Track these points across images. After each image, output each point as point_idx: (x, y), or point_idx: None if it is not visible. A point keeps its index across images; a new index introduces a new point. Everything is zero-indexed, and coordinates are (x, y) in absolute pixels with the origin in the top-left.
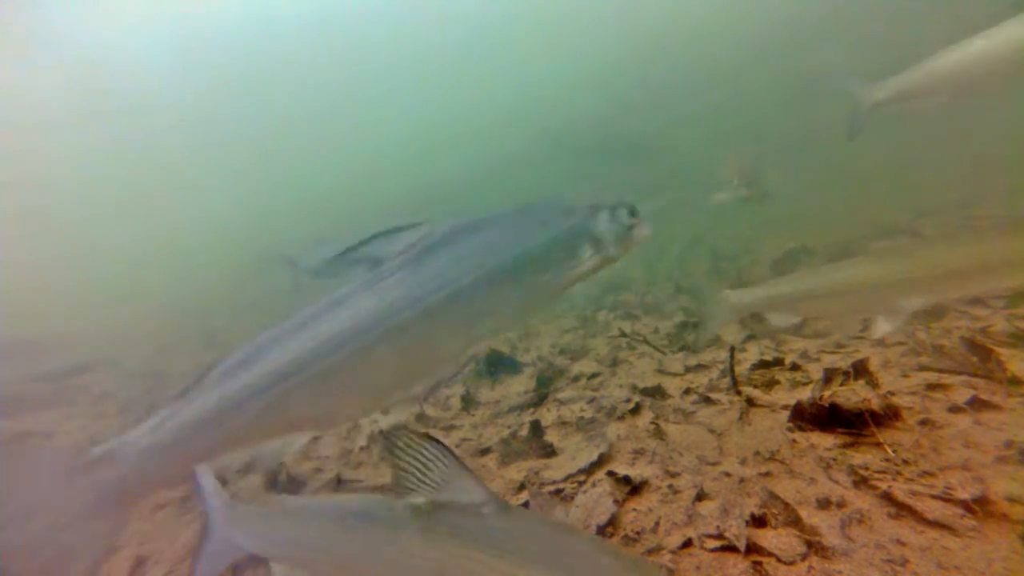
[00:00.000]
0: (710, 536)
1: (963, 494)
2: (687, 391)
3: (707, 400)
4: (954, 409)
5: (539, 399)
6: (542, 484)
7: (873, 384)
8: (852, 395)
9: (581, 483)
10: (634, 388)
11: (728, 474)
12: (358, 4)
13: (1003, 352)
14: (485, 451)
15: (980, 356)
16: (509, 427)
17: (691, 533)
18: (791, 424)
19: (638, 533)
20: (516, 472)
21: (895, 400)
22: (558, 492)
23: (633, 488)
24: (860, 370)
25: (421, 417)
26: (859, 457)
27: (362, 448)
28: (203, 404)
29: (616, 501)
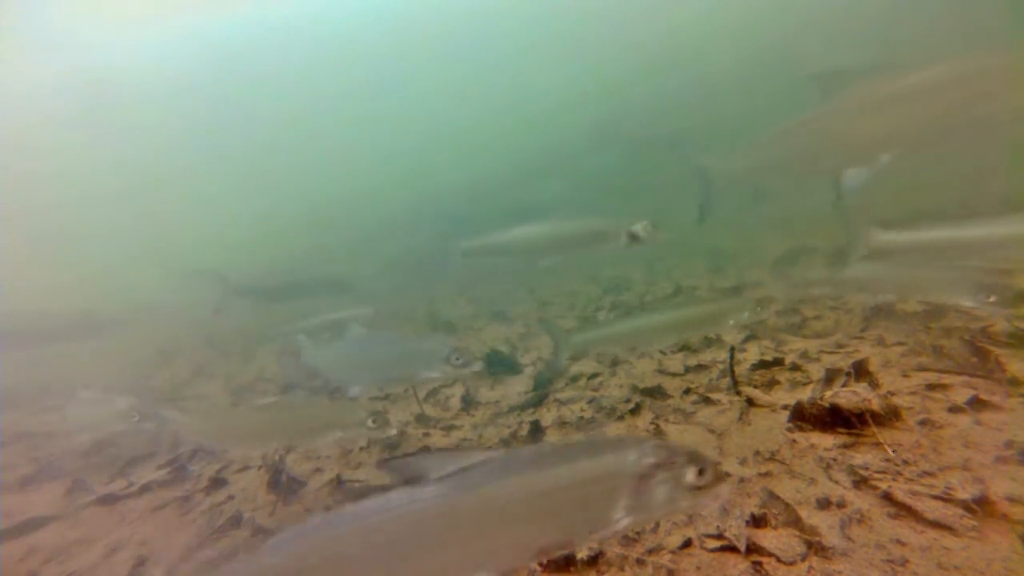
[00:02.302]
0: (710, 536)
1: (963, 494)
2: (687, 391)
3: (707, 400)
4: (954, 409)
5: (539, 399)
6: None
7: (873, 384)
8: (852, 395)
9: None
10: (634, 388)
11: (728, 474)
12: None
13: (1003, 352)
14: None
15: (980, 356)
16: (509, 427)
17: (691, 533)
18: (791, 424)
19: (638, 533)
20: None
21: (895, 400)
22: None
23: None
24: (860, 370)
25: (421, 417)
26: (859, 457)
27: (362, 448)
28: None
29: None
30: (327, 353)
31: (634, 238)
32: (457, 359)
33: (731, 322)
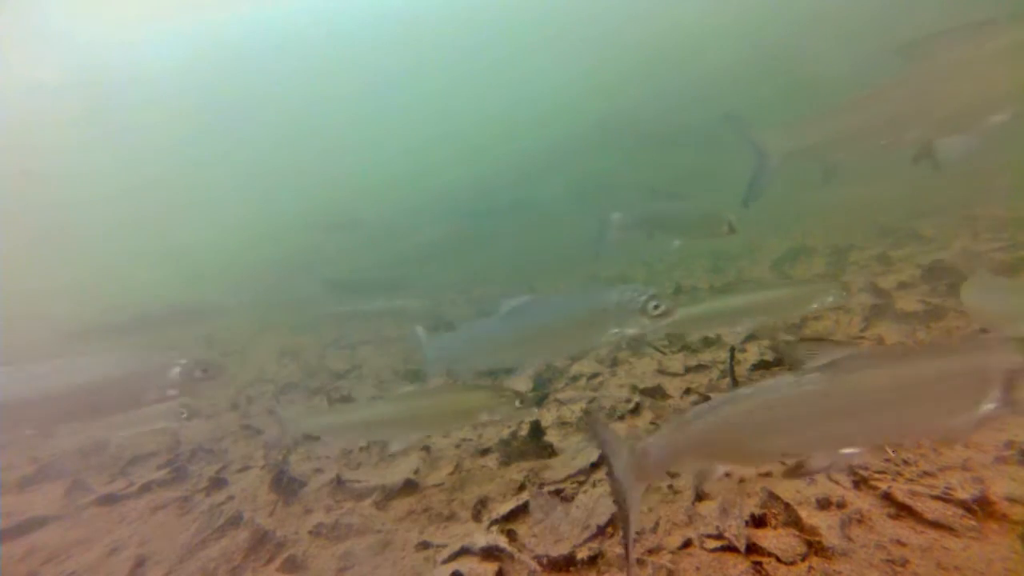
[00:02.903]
0: (710, 536)
1: (963, 494)
2: (687, 391)
3: (707, 400)
4: None
5: (539, 399)
6: (542, 484)
7: None
8: None
9: (581, 483)
10: (634, 388)
11: (728, 474)
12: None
13: None
14: (485, 451)
15: None
16: (509, 427)
17: (691, 533)
18: None
19: (638, 533)
20: (516, 472)
21: None
22: (558, 492)
23: None
24: None
25: None
26: (859, 457)
27: (362, 448)
28: None
29: (617, 501)
30: (474, 332)
31: (731, 228)
32: (656, 307)
33: (814, 305)
